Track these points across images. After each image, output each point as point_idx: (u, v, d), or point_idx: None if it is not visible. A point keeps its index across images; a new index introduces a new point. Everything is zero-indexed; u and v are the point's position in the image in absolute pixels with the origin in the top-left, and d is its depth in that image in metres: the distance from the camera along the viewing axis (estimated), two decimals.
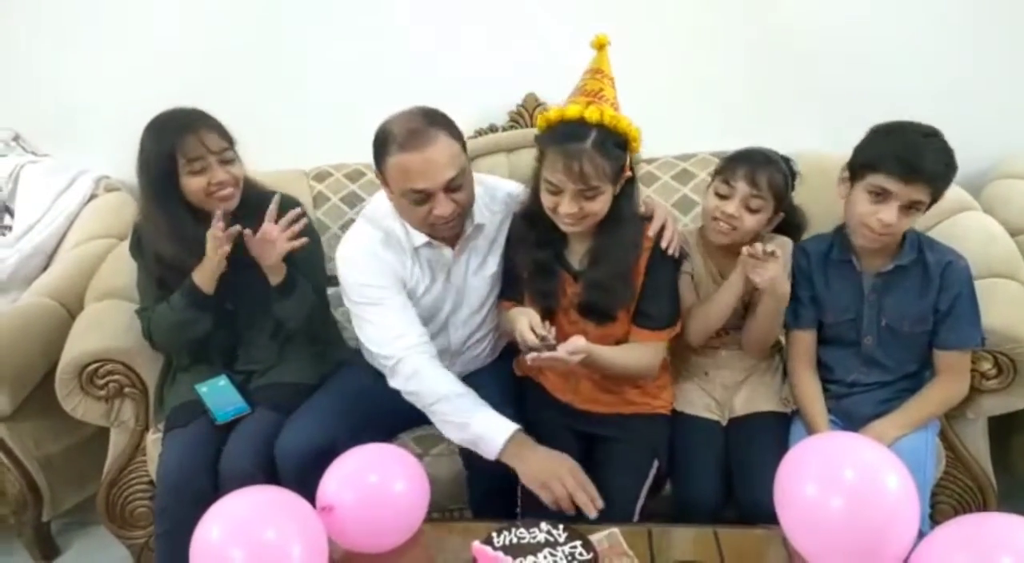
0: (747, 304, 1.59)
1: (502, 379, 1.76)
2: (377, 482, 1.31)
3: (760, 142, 2.11)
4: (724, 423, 1.62)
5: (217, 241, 1.63)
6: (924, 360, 1.56)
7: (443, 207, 1.49)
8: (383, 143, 1.49)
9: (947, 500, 1.66)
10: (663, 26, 2.18)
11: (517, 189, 1.71)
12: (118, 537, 1.86)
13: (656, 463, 1.57)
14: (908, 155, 1.39)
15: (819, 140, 2.05)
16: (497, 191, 1.70)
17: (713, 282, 1.61)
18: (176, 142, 1.60)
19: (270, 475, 1.56)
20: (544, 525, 1.24)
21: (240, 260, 1.70)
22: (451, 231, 1.58)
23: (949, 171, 1.43)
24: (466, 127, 2.25)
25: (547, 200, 1.48)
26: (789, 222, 1.60)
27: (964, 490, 1.66)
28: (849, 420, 1.55)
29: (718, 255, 1.61)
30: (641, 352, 1.55)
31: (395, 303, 1.60)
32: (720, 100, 2.21)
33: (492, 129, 2.24)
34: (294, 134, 2.27)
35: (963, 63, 2.11)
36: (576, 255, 1.58)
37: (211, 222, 1.64)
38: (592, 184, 1.41)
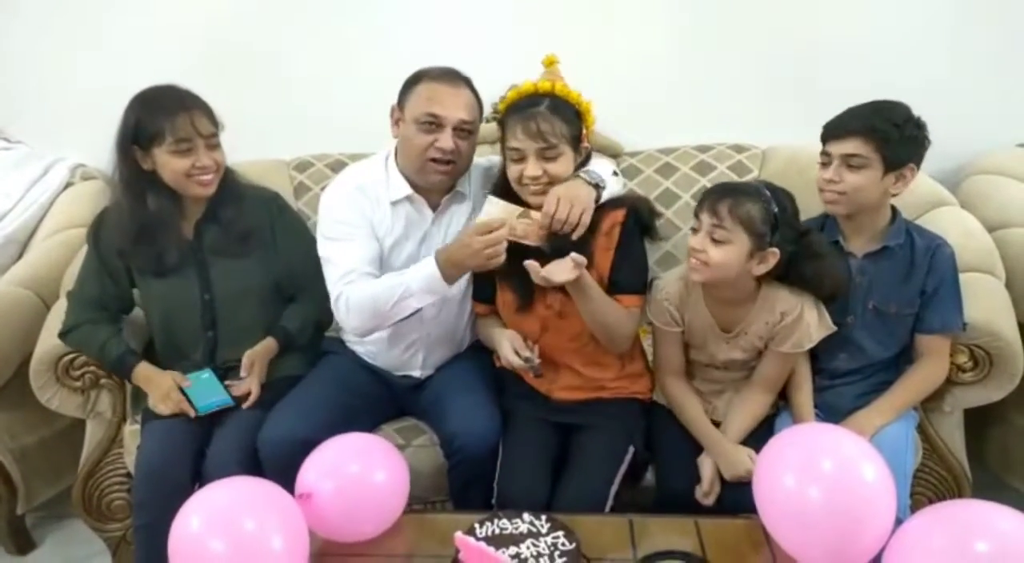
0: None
1: (481, 370, 1.76)
2: (357, 471, 1.31)
3: (740, 136, 2.17)
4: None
5: (167, 405, 1.63)
6: (902, 346, 1.58)
7: (446, 141, 1.57)
8: (417, 77, 1.62)
9: (923, 491, 1.68)
10: (647, 22, 2.18)
11: (489, 162, 1.77)
12: (94, 530, 1.84)
13: (632, 449, 1.57)
14: (843, 117, 1.51)
15: (798, 134, 2.06)
16: (477, 169, 1.75)
17: (712, 335, 1.57)
18: (167, 119, 1.58)
19: (255, 474, 1.54)
20: (527, 516, 1.25)
21: (217, 249, 1.69)
22: (440, 177, 1.62)
23: (890, 128, 1.45)
24: None
25: (512, 171, 1.54)
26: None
27: (940, 481, 1.68)
28: (830, 413, 1.56)
29: (718, 305, 1.55)
30: (618, 310, 1.55)
31: (360, 243, 1.63)
32: (703, 94, 2.22)
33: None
34: (275, 124, 2.25)
35: (940, 62, 2.13)
36: None
37: (181, 210, 1.64)
38: (551, 142, 1.49)
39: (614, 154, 2.19)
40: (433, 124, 1.57)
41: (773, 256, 1.43)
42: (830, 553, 1.18)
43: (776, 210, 1.42)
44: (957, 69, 2.13)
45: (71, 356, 1.72)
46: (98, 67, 2.26)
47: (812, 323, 1.49)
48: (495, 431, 1.59)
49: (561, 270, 1.42)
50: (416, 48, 2.20)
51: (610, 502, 1.50)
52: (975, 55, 2.13)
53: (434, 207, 1.69)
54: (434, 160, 1.59)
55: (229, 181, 1.73)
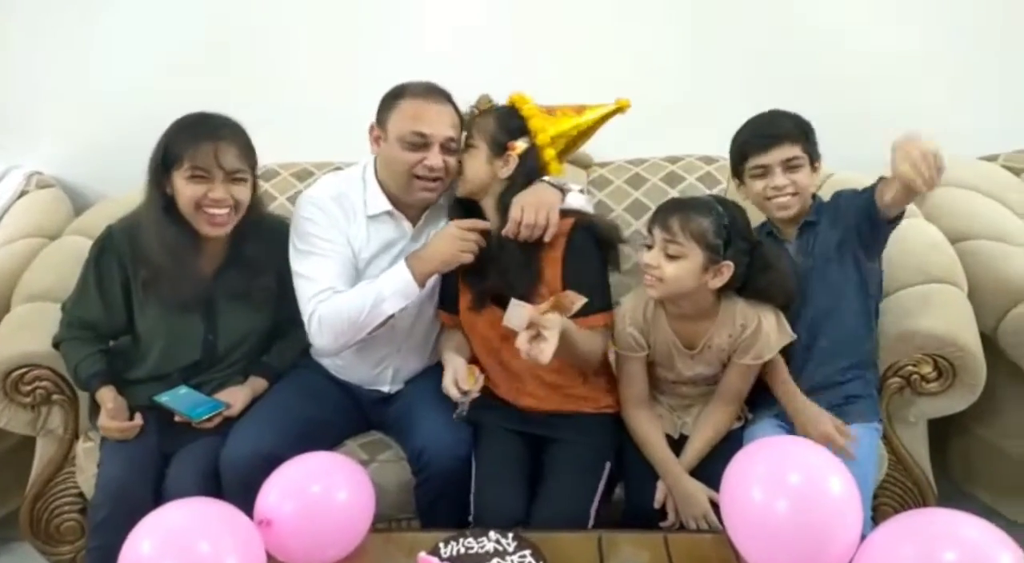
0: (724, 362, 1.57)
1: None
2: (319, 492, 1.27)
3: (709, 146, 2.18)
4: (676, 437, 1.60)
5: (123, 431, 1.56)
6: (850, 312, 1.57)
7: (435, 159, 1.56)
8: (397, 93, 1.60)
9: (888, 501, 1.69)
10: (617, 35, 2.19)
11: None
12: (43, 553, 1.76)
13: (608, 465, 1.55)
14: (760, 130, 1.61)
15: None
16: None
17: (677, 353, 1.56)
18: (191, 144, 1.52)
19: (219, 494, 1.49)
20: (493, 534, 1.22)
21: (233, 294, 1.63)
22: (427, 194, 1.60)
23: (801, 126, 1.59)
24: None
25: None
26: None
27: (905, 492, 1.69)
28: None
29: (679, 322, 1.54)
30: (589, 339, 1.53)
31: (335, 259, 1.59)
32: (673, 106, 2.22)
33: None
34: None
35: (907, 79, 2.17)
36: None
37: (198, 245, 1.59)
38: (471, 131, 1.57)
39: (584, 164, 2.19)
40: (420, 143, 1.55)
41: (728, 269, 1.45)
42: None
43: (728, 223, 1.44)
44: (923, 85, 2.16)
45: (21, 370, 1.65)
46: (59, 75, 2.20)
47: (771, 333, 1.50)
48: (464, 446, 1.57)
49: (545, 349, 1.34)
50: (385, 52, 2.17)
51: (592, 521, 1.47)
52: (941, 72, 2.16)
53: (413, 221, 1.67)
54: (420, 177, 1.57)
55: (256, 219, 1.65)
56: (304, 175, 2.16)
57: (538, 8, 2.19)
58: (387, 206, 1.63)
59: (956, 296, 1.69)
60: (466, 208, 1.63)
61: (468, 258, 1.51)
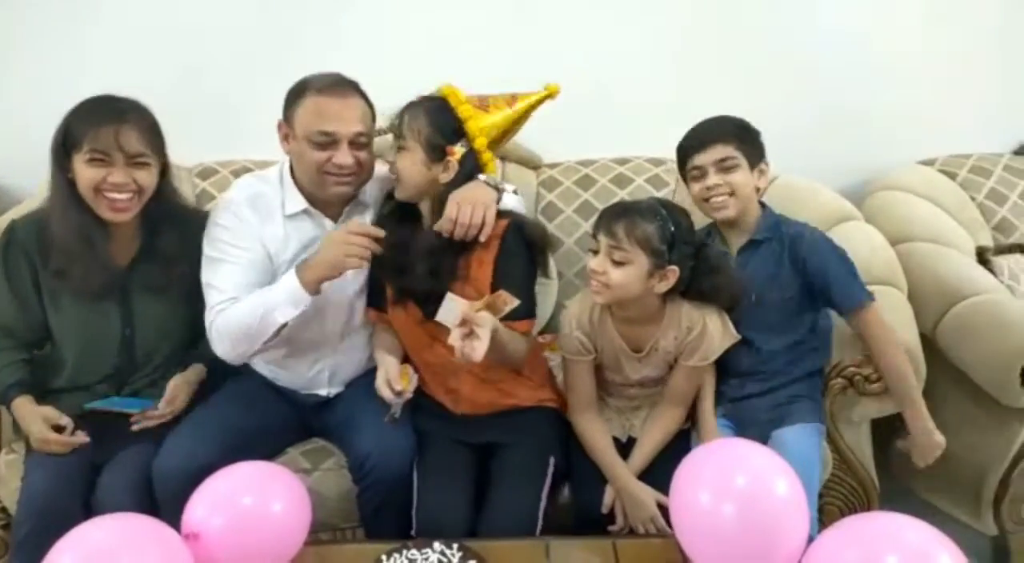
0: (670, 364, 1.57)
1: None
2: (251, 504, 1.22)
3: (659, 146, 2.18)
4: (624, 440, 1.59)
5: (61, 445, 1.49)
6: (792, 340, 1.59)
7: (344, 157, 1.51)
8: (300, 89, 1.53)
9: (833, 501, 1.71)
10: (565, 35, 2.17)
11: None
12: None
13: (552, 460, 1.53)
14: (692, 136, 1.62)
15: None
16: (377, 176, 1.71)
17: (624, 356, 1.55)
18: (92, 127, 1.45)
19: (151, 509, 1.43)
20: (437, 545, 1.19)
21: (149, 285, 1.57)
22: (341, 189, 1.56)
23: (739, 128, 1.59)
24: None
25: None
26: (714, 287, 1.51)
27: (850, 491, 1.71)
28: (742, 426, 1.56)
29: (625, 325, 1.54)
30: (517, 341, 1.51)
31: (241, 267, 1.54)
32: (621, 106, 2.22)
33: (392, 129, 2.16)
34: (175, 129, 2.11)
35: (842, 86, 2.20)
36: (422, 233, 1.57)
37: (108, 233, 1.52)
38: (403, 133, 1.51)
39: (534, 165, 2.18)
40: (327, 141, 1.50)
41: (673, 273, 1.44)
42: None
43: (672, 228, 1.44)
44: (860, 91, 2.20)
45: None
46: None
47: (716, 334, 1.51)
48: (408, 452, 1.53)
49: (477, 347, 1.32)
50: (327, 51, 2.10)
51: (540, 521, 1.45)
52: (876, 77, 2.21)
53: (335, 218, 1.63)
54: (332, 174, 1.53)
55: (170, 206, 1.60)
56: (244, 172, 2.04)
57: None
58: (304, 204, 1.59)
59: (897, 298, 1.72)
60: (400, 204, 1.58)
61: (356, 264, 1.44)
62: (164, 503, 1.43)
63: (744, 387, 1.60)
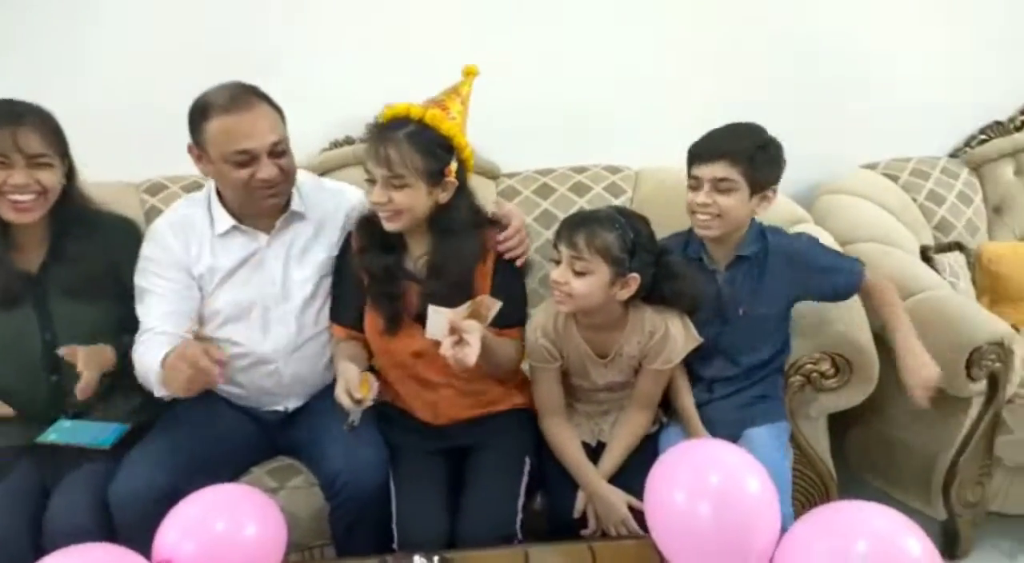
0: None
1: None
2: (224, 528, 1.20)
3: (616, 156, 2.22)
4: (594, 444, 1.61)
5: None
6: (774, 351, 1.64)
7: (267, 170, 1.48)
8: (202, 111, 1.48)
9: (794, 493, 1.75)
10: (517, 46, 2.19)
11: (357, 195, 1.69)
12: None
13: (528, 461, 1.54)
14: (703, 142, 1.56)
15: (668, 155, 2.14)
16: (327, 188, 1.69)
17: (590, 362, 1.56)
18: None
19: (106, 530, 1.38)
20: (418, 558, 1.19)
21: (64, 288, 1.52)
22: (273, 201, 1.54)
23: (755, 150, 1.50)
24: (321, 138, 2.17)
25: (367, 192, 1.51)
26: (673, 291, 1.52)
27: (809, 484, 1.77)
28: (712, 426, 1.59)
29: (590, 332, 1.55)
30: (507, 347, 1.54)
31: (165, 297, 1.54)
32: (577, 115, 2.23)
33: (348, 141, 2.15)
34: (121, 143, 2.05)
35: (789, 89, 2.27)
36: (413, 260, 1.56)
37: (12, 237, 1.47)
38: (397, 172, 1.42)
39: (492, 176, 2.19)
40: (245, 159, 1.47)
41: (634, 281, 1.46)
42: None
43: (632, 236, 1.45)
44: (807, 100, 2.26)
45: None
46: None
47: (679, 338, 1.53)
48: (382, 467, 1.51)
49: (469, 352, 1.33)
50: (284, 61, 2.07)
51: (519, 516, 1.46)
52: (821, 83, 2.28)
53: (267, 229, 1.59)
54: (259, 188, 1.50)
55: (79, 209, 1.57)
56: (194, 187, 1.99)
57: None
58: (231, 222, 1.57)
59: (850, 298, 1.77)
60: (380, 230, 1.52)
61: (200, 389, 1.36)
62: (124, 528, 1.38)
63: (713, 392, 1.64)
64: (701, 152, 1.54)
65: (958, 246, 2.16)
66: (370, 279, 1.55)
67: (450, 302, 1.42)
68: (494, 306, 1.37)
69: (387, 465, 1.52)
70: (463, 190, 1.52)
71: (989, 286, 2.14)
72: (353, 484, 1.47)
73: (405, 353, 1.55)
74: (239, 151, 1.46)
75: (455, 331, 1.33)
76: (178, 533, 1.17)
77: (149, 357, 1.44)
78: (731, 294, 1.60)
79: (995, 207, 2.30)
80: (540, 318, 1.57)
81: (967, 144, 2.36)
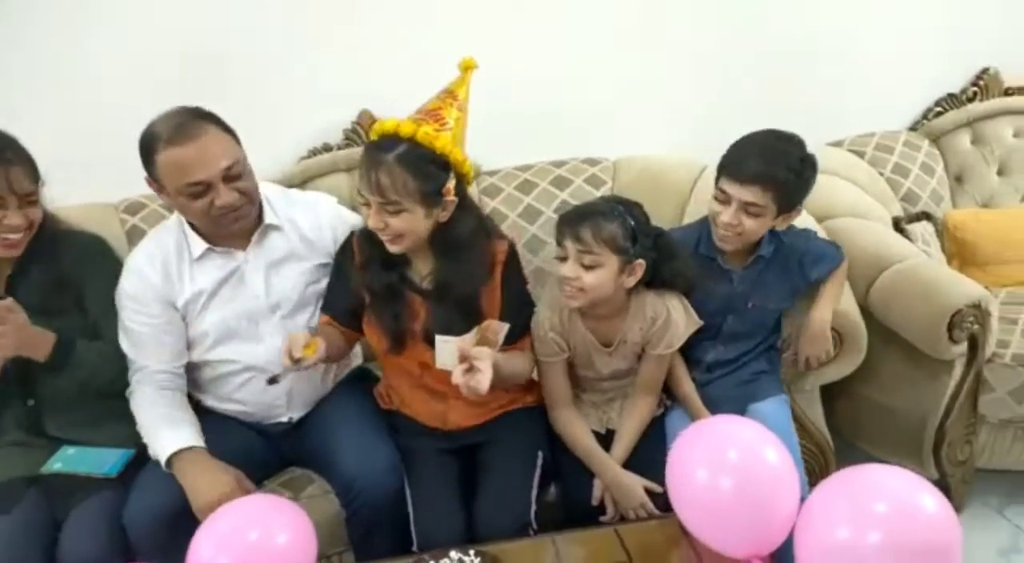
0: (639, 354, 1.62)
1: (362, 405, 1.66)
2: (256, 539, 1.19)
3: (598, 148, 2.25)
4: (603, 432, 1.63)
5: None
6: (766, 333, 1.71)
7: (225, 197, 1.44)
8: (149, 144, 1.42)
9: None
10: (491, 40, 2.19)
11: (330, 203, 1.68)
12: None
13: (541, 454, 1.55)
14: (739, 158, 1.53)
15: (641, 145, 2.19)
16: (296, 201, 1.65)
17: (595, 351, 1.59)
18: None
19: (120, 558, 1.36)
20: (454, 554, 1.21)
21: (31, 306, 1.47)
22: (240, 223, 1.51)
23: (790, 176, 1.50)
24: (298, 146, 2.15)
25: (362, 213, 1.47)
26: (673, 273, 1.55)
27: (809, 454, 1.83)
28: (715, 405, 1.63)
29: (594, 321, 1.57)
30: (519, 361, 1.55)
31: (148, 335, 1.53)
32: (553, 109, 2.25)
33: (327, 148, 2.13)
34: (98, 162, 1.99)
35: (751, 72, 2.32)
36: (419, 276, 1.54)
37: None
38: (390, 198, 1.37)
39: (474, 174, 2.18)
40: (200, 191, 1.42)
41: (640, 267, 1.49)
42: (746, 539, 1.23)
43: (632, 222, 1.47)
44: (776, 80, 2.32)
45: None
46: None
47: (680, 322, 1.56)
48: (395, 470, 1.51)
49: (482, 380, 1.31)
50: (261, 68, 2.05)
51: (534, 507, 1.47)
52: (780, 63, 2.34)
53: (243, 247, 1.57)
54: (222, 215, 1.47)
55: (48, 230, 1.54)
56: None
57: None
58: (205, 246, 1.54)
59: None
60: (381, 250, 1.48)
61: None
62: (143, 552, 1.37)
63: (712, 372, 1.69)
64: (733, 171, 1.51)
65: (926, 216, 2.24)
66: (372, 297, 1.52)
67: (459, 322, 1.42)
68: (502, 330, 1.36)
69: (401, 469, 1.52)
70: (464, 204, 1.49)
71: (957, 252, 2.24)
72: (369, 490, 1.47)
73: (412, 364, 1.55)
74: (191, 183, 1.41)
75: (465, 359, 1.32)
76: (212, 548, 1.16)
77: (150, 414, 1.50)
78: (744, 291, 1.65)
79: (956, 176, 2.40)
80: (546, 313, 1.58)
81: (924, 117, 2.45)
